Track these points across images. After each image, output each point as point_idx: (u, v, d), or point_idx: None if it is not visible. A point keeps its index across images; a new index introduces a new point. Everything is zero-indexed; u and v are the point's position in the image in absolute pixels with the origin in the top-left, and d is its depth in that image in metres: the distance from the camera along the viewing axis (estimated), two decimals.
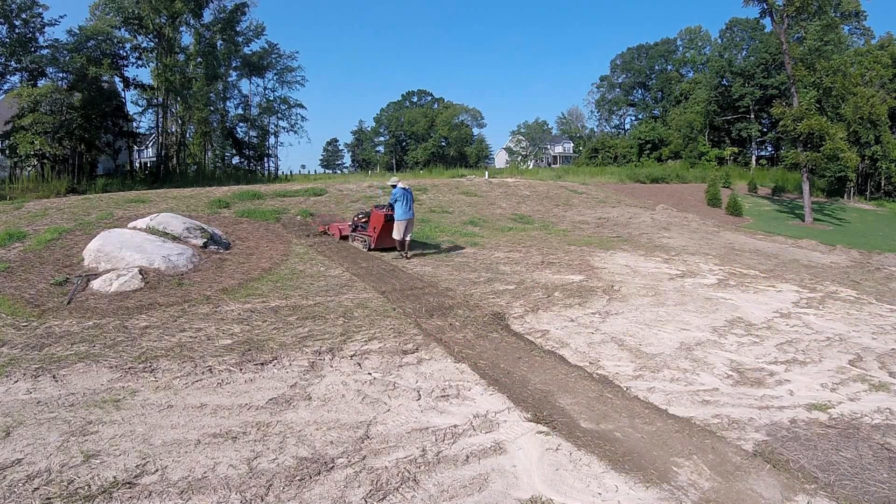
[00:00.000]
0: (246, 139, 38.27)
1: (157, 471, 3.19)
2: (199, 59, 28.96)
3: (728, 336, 6.43)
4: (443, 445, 3.63)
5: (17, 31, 22.86)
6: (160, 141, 28.50)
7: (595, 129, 71.13)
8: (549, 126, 78.35)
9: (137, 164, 30.94)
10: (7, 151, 21.50)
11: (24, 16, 22.90)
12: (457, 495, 3.09)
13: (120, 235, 8.71)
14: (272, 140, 40.96)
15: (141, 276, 7.39)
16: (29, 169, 21.57)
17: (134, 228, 9.38)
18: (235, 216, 12.31)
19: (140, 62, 27.42)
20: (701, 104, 50.09)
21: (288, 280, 8.04)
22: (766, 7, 22.66)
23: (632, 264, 10.63)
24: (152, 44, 27.00)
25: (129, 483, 3.05)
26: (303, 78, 47.91)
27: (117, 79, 26.88)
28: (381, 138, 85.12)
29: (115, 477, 3.09)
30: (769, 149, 52.62)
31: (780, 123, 23.55)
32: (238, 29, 33.31)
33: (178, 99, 27.40)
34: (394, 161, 78.56)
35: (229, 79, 35.17)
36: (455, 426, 3.90)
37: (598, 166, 44.74)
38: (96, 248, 8.20)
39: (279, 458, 3.37)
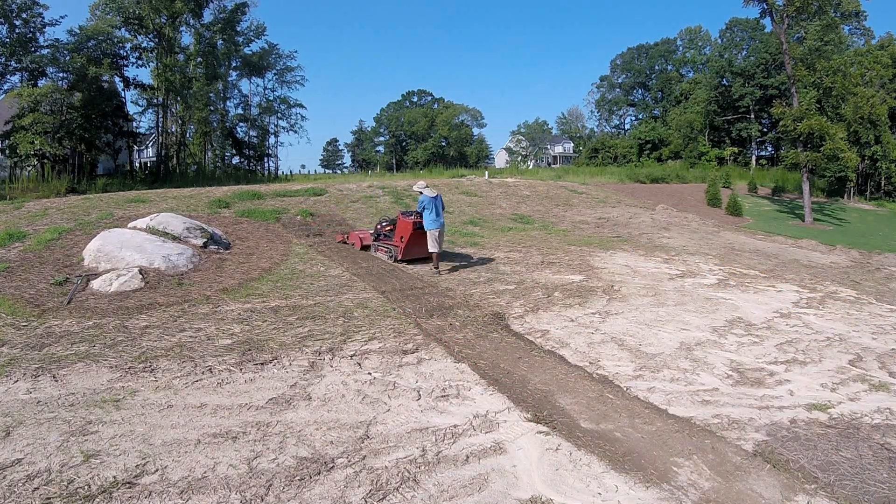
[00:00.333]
0: (246, 139, 38.26)
1: (157, 471, 3.19)
2: (199, 59, 28.95)
3: (728, 336, 6.43)
4: (443, 445, 3.63)
5: (17, 31, 22.84)
6: (160, 141, 28.50)
7: (595, 129, 71.19)
8: (549, 126, 78.43)
9: (137, 164, 30.92)
10: (7, 151, 21.49)
11: (24, 16, 22.88)
12: (457, 495, 3.09)
13: (120, 235, 8.71)
14: (272, 140, 40.98)
15: (141, 276, 7.39)
16: (29, 169, 21.56)
17: (134, 228, 9.38)
18: (235, 216, 12.31)
19: (140, 62, 27.40)
20: (701, 104, 50.09)
21: (288, 280, 8.04)
22: (766, 7, 22.66)
23: (632, 264, 10.63)
24: (152, 44, 26.99)
25: (129, 483, 3.05)
26: (302, 78, 47.90)
27: (117, 79, 26.87)
28: (381, 138, 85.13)
29: (115, 477, 3.09)
30: (769, 149, 52.62)
31: (780, 123, 23.55)
32: (238, 29, 33.29)
33: (178, 99, 27.40)
34: (394, 161, 78.57)
35: (229, 79, 35.16)
36: (455, 426, 3.90)
37: (598, 166, 44.73)
38: (96, 247, 8.20)
39: (279, 458, 3.37)
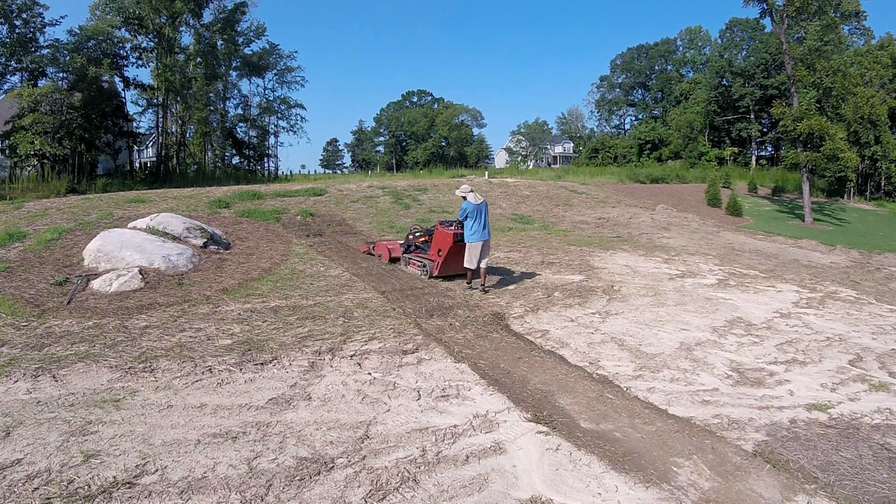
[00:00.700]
0: (246, 139, 38.29)
1: (157, 471, 3.19)
2: (199, 59, 28.95)
3: (728, 336, 6.43)
4: (443, 445, 3.63)
5: (17, 31, 22.84)
6: (160, 141, 28.50)
7: (595, 129, 71.20)
8: (549, 126, 78.46)
9: (137, 164, 30.93)
10: (7, 151, 21.49)
11: (24, 16, 22.88)
12: (457, 495, 3.09)
13: (120, 235, 8.71)
14: (272, 140, 41.02)
15: (141, 276, 7.39)
16: (29, 169, 21.56)
17: (134, 228, 9.38)
18: (235, 216, 12.31)
19: (140, 62, 27.42)
20: (701, 104, 50.09)
21: (288, 280, 8.04)
22: (766, 7, 22.66)
23: (632, 264, 10.63)
24: (152, 44, 27.00)
25: (129, 483, 3.05)
26: (302, 78, 48.00)
27: (117, 79, 26.88)
28: (381, 138, 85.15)
29: (115, 477, 3.09)
30: (769, 149, 52.62)
31: (780, 123, 23.54)
32: (238, 29, 33.33)
33: (178, 99, 27.40)
34: (394, 161, 78.57)
35: (229, 79, 35.20)
36: (455, 426, 3.90)
37: (598, 166, 44.73)
38: (96, 248, 8.20)
39: (279, 458, 3.37)
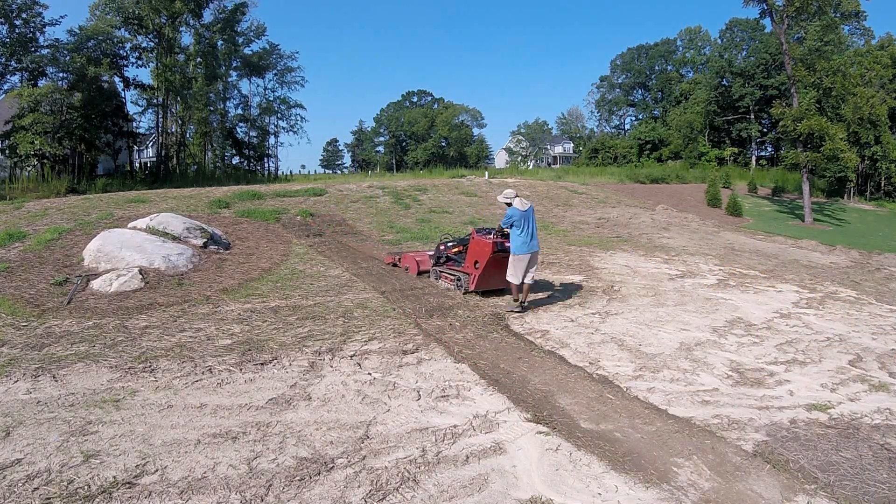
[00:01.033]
0: (246, 139, 38.29)
1: (157, 471, 3.19)
2: (199, 60, 28.96)
3: (728, 336, 6.43)
4: (443, 445, 3.63)
5: (17, 30, 22.86)
6: (160, 141, 28.51)
7: (595, 130, 71.17)
8: (549, 126, 78.45)
9: (137, 164, 30.94)
10: (7, 151, 21.51)
11: (24, 16, 22.90)
12: (457, 495, 3.09)
13: (120, 235, 8.71)
14: (272, 140, 41.04)
15: (141, 276, 7.39)
16: (29, 169, 21.58)
17: (134, 228, 9.38)
18: (235, 216, 12.31)
19: (140, 62, 27.44)
20: (701, 104, 50.10)
21: (288, 280, 8.04)
22: (766, 7, 22.66)
23: (632, 264, 10.63)
24: (152, 44, 27.01)
25: (129, 483, 3.05)
26: (303, 79, 47.96)
27: (117, 79, 26.90)
28: (381, 138, 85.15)
29: (115, 477, 3.09)
30: (769, 149, 52.62)
31: (780, 124, 23.54)
32: (238, 29, 33.34)
33: (178, 99, 27.42)
34: (394, 161, 78.58)
35: (229, 79, 35.21)
36: (455, 426, 3.90)
37: (598, 166, 44.74)
38: (96, 248, 8.20)
39: (279, 459, 3.37)
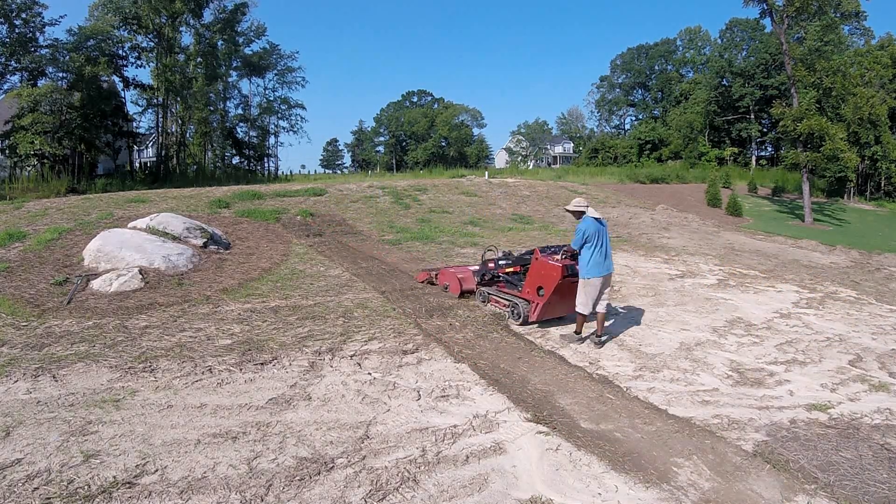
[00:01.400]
0: (246, 139, 38.33)
1: (156, 471, 3.19)
2: (199, 59, 28.98)
3: (728, 336, 6.43)
4: (443, 445, 3.63)
5: (17, 30, 22.87)
6: (160, 141, 28.52)
7: (595, 130, 71.19)
8: (549, 126, 78.46)
9: (137, 164, 30.96)
10: (7, 151, 21.51)
11: (24, 15, 22.91)
12: (457, 495, 3.09)
13: (120, 235, 8.71)
14: (272, 140, 41.10)
15: (141, 276, 7.39)
16: (29, 169, 21.59)
17: (134, 228, 9.38)
18: (235, 216, 12.31)
19: (140, 62, 27.48)
20: (701, 104, 50.11)
21: (288, 280, 8.04)
22: (766, 7, 22.66)
23: (632, 264, 10.63)
24: (152, 44, 27.02)
25: (129, 483, 3.05)
26: (303, 79, 48.01)
27: (117, 79, 26.92)
28: (381, 138, 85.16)
29: (115, 477, 3.09)
30: (769, 149, 52.64)
31: (780, 124, 23.54)
32: (238, 29, 33.37)
33: (178, 99, 27.43)
34: (394, 161, 78.59)
35: (229, 79, 35.24)
36: (455, 426, 3.90)
37: (598, 166, 44.76)
38: (96, 247, 8.19)
39: (279, 458, 3.37)
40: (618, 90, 68.20)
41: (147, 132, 32.27)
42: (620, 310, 7.43)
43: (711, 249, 13.35)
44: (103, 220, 10.62)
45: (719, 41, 55.07)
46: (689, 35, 62.93)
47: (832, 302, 8.52)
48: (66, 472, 3.12)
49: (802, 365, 5.58)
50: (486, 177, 24.77)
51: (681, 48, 63.55)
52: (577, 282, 5.79)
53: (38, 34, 23.75)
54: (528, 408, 4.26)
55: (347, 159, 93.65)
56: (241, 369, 4.78)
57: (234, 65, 35.17)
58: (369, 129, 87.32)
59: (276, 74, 39.74)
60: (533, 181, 23.98)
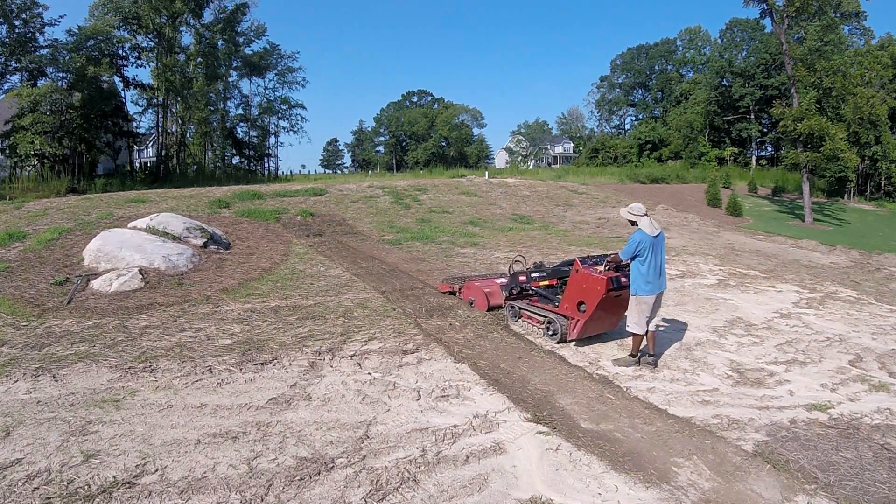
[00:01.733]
0: (246, 139, 38.33)
1: (157, 471, 3.19)
2: (200, 59, 28.99)
3: (728, 336, 6.43)
4: (443, 445, 3.63)
5: (17, 31, 22.86)
6: (160, 141, 28.52)
7: (595, 130, 71.16)
8: (550, 126, 78.45)
9: (137, 164, 30.95)
10: (7, 151, 21.51)
11: (24, 16, 22.90)
12: (457, 495, 3.09)
13: (120, 235, 8.71)
14: (272, 140, 41.10)
15: (141, 276, 7.39)
16: (29, 169, 21.59)
17: (134, 228, 9.38)
18: (235, 216, 12.31)
19: (140, 62, 27.47)
20: (701, 104, 50.09)
21: (288, 280, 8.04)
22: (766, 7, 22.65)
23: None
24: (152, 44, 27.02)
25: (129, 483, 3.05)
26: (303, 79, 48.02)
27: (117, 79, 26.90)
28: (381, 138, 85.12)
29: (115, 477, 3.09)
30: (769, 149, 52.61)
31: (780, 124, 23.53)
32: (239, 29, 33.37)
33: (178, 99, 27.42)
34: (394, 161, 78.57)
35: (230, 79, 35.23)
36: (455, 426, 3.90)
37: (598, 166, 44.73)
38: (96, 247, 8.20)
39: (279, 458, 3.37)
40: (618, 90, 68.17)
41: (147, 132, 32.28)
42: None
43: (711, 249, 13.35)
44: (103, 219, 10.62)
45: (719, 41, 55.05)
46: (689, 35, 62.91)
47: (832, 302, 8.52)
48: (66, 472, 3.12)
49: (802, 365, 5.58)
50: (486, 177, 24.77)
51: (681, 48, 63.53)
52: (622, 296, 5.39)
53: (38, 34, 23.74)
54: (528, 408, 4.26)
55: (347, 159, 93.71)
56: (241, 369, 4.78)
57: (235, 65, 35.17)
58: (369, 129, 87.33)
59: (276, 74, 39.76)
60: (533, 181, 23.98)
